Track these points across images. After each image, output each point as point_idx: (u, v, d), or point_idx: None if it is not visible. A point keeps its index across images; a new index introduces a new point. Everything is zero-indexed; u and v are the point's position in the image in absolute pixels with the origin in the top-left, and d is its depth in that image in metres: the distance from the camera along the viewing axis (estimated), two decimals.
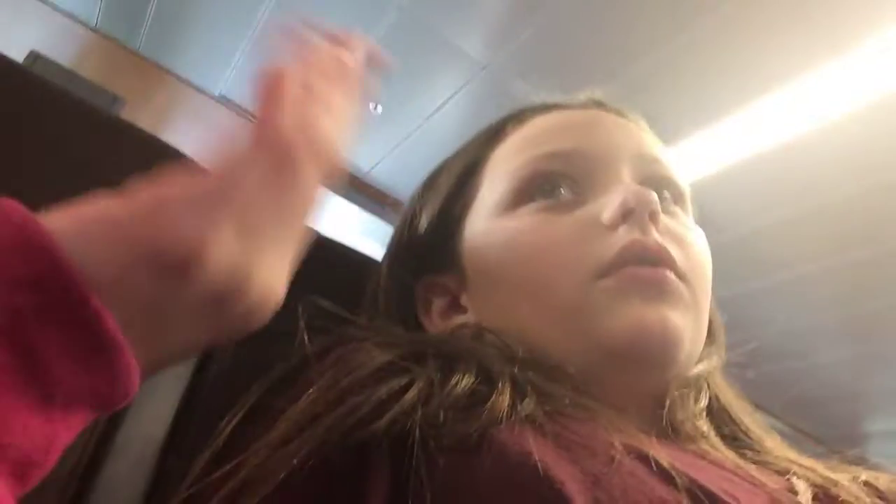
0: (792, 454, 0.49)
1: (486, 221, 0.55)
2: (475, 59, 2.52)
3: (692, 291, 0.50)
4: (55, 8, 2.91)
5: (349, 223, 3.15)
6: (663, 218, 0.51)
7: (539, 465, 0.35)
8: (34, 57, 2.72)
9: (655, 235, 0.49)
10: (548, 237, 0.51)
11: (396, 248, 0.62)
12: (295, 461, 0.37)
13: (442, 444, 0.38)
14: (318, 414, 0.39)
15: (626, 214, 0.49)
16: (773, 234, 2.78)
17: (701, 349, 0.53)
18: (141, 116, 2.95)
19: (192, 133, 3.29)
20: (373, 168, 3.32)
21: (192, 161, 0.60)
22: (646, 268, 0.48)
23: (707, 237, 0.57)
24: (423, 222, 0.60)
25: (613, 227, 0.50)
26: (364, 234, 3.00)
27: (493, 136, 0.61)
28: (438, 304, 0.57)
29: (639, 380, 0.48)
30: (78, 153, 0.56)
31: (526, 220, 0.53)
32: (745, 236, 2.80)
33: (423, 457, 0.37)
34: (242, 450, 0.40)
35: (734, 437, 0.52)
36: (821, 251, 2.80)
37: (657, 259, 0.48)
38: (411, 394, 0.40)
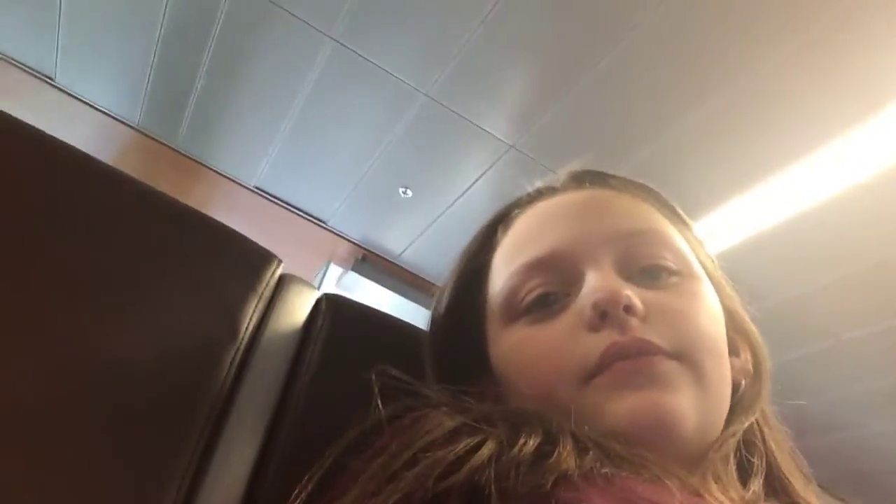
0: None
1: (495, 330, 0.60)
2: (500, 139, 2.59)
3: (691, 363, 0.52)
4: (98, 108, 3.06)
5: (382, 307, 3.17)
6: (648, 297, 0.54)
7: None
8: None
9: (633, 330, 0.51)
10: (541, 348, 0.55)
11: (433, 339, 0.66)
12: None
13: (515, 494, 0.41)
14: (396, 471, 0.43)
15: (602, 317, 0.52)
16: (814, 300, 2.73)
17: (725, 409, 0.55)
18: None
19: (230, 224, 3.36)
20: (404, 251, 3.37)
21: (224, 227, 0.65)
22: (630, 360, 0.50)
23: (745, 305, 0.59)
24: (449, 325, 0.65)
25: (594, 329, 0.52)
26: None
27: (487, 242, 0.65)
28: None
29: (662, 454, 0.48)
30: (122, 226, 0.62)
31: (522, 333, 0.57)
32: (784, 303, 2.76)
33: None
34: None
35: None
36: (865, 316, 2.74)
37: (638, 353, 0.50)
38: (485, 450, 0.44)
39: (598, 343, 0.51)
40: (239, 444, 0.57)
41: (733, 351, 0.60)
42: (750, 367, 0.60)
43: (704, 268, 0.61)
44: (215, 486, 0.54)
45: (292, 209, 3.32)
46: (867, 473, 3.71)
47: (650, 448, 0.47)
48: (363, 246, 3.44)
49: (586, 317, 0.52)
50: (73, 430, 0.51)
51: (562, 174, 0.67)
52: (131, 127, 3.13)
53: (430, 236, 3.21)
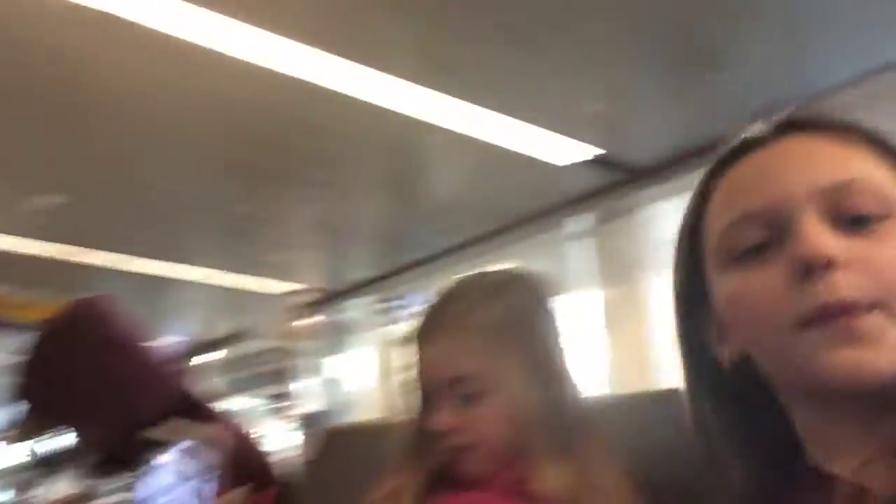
0: None
1: (712, 274, 0.67)
2: None
3: (892, 310, 0.56)
4: None
5: None
6: (853, 246, 0.57)
7: None
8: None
9: (836, 286, 0.56)
10: (751, 296, 0.61)
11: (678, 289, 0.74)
12: None
13: None
14: None
15: (806, 271, 0.57)
16: None
17: None
18: None
19: None
20: None
21: None
22: (833, 319, 0.56)
23: None
24: (681, 272, 0.73)
25: (800, 282, 0.57)
26: None
27: (703, 196, 0.70)
28: (714, 335, 0.69)
29: (863, 403, 0.57)
30: None
31: (734, 280, 0.63)
32: None
33: None
34: None
35: None
36: None
37: (841, 313, 0.55)
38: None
39: (804, 297, 0.57)
40: None
41: None
42: None
43: None
44: None
45: None
46: None
47: (852, 397, 0.56)
48: None
49: (792, 270, 0.58)
50: None
51: (769, 124, 0.69)
52: None
53: None
